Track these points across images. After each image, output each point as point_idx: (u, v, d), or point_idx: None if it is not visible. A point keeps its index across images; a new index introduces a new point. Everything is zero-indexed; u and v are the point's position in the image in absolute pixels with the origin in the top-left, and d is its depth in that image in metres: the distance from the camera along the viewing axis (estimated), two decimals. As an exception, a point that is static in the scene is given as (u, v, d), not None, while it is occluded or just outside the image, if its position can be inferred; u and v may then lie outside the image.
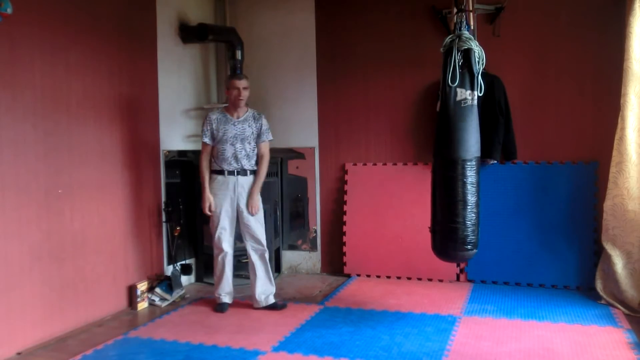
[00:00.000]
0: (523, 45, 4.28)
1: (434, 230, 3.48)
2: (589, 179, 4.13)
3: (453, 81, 3.31)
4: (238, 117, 3.77)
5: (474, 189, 3.31)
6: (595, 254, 4.05)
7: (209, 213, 3.75)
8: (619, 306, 3.68)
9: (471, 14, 3.87)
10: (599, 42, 4.08)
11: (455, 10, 3.81)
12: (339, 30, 4.81)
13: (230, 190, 3.75)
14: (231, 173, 3.75)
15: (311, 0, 4.87)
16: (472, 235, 3.32)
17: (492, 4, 4.27)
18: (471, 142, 3.33)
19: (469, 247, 3.33)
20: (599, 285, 3.86)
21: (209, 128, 3.74)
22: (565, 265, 4.16)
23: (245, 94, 3.73)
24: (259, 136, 3.83)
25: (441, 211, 3.39)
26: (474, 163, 3.32)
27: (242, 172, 3.77)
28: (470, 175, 3.31)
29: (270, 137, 3.89)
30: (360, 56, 4.75)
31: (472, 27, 3.70)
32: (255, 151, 3.84)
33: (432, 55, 4.43)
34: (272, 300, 3.81)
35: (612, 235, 3.78)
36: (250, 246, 3.82)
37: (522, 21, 4.27)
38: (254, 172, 3.82)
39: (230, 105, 3.79)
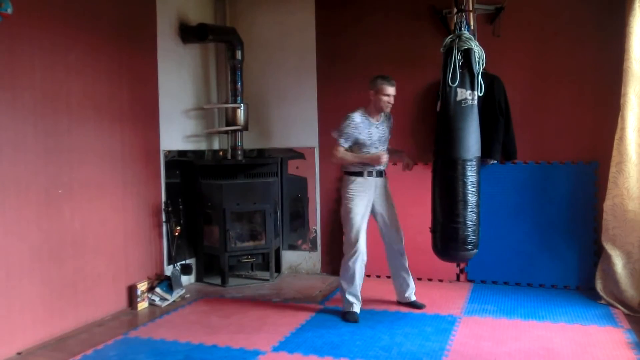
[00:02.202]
0: (523, 45, 4.28)
1: (434, 230, 3.48)
2: (589, 179, 4.13)
3: (453, 81, 3.31)
4: (378, 120, 3.69)
5: (474, 188, 3.32)
6: (595, 254, 4.05)
7: (385, 159, 3.58)
8: (619, 306, 3.68)
9: (471, 14, 3.87)
10: (599, 42, 4.08)
11: (455, 10, 3.81)
12: (339, 30, 4.81)
13: (370, 192, 3.66)
14: (371, 174, 3.66)
15: (311, 1, 4.87)
16: (473, 235, 3.33)
17: (492, 4, 4.27)
18: (471, 142, 3.33)
19: (469, 247, 3.33)
20: (599, 285, 3.86)
21: (350, 132, 3.59)
22: (565, 265, 4.16)
23: (393, 101, 3.65)
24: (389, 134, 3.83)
25: (441, 211, 3.39)
26: (474, 163, 3.33)
27: (379, 173, 3.71)
28: (471, 175, 3.31)
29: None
30: (361, 56, 4.75)
31: (472, 27, 3.70)
32: None
33: (432, 56, 4.42)
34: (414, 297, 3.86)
35: (612, 235, 3.78)
36: (391, 246, 3.79)
37: (522, 21, 4.27)
38: (385, 173, 3.79)
39: (373, 108, 3.65)
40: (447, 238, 3.37)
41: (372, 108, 3.66)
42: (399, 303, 3.89)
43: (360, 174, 3.65)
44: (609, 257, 3.78)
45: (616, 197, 3.74)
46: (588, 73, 4.13)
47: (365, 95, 4.73)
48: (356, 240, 3.62)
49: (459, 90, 3.34)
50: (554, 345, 3.07)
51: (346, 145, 3.62)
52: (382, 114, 3.72)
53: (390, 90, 3.60)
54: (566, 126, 4.21)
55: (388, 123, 3.80)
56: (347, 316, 3.60)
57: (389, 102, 3.62)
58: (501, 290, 4.20)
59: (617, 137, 3.75)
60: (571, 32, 4.16)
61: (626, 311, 3.62)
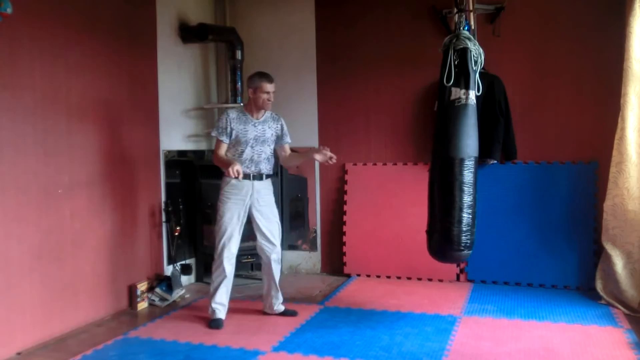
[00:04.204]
0: (523, 45, 4.28)
1: (429, 231, 3.46)
2: (589, 179, 4.13)
3: (448, 80, 3.29)
4: (258, 118, 3.57)
5: (469, 189, 3.25)
6: (595, 254, 4.05)
7: (235, 174, 3.27)
8: (619, 306, 3.68)
9: (471, 14, 3.86)
10: (599, 42, 4.08)
11: (455, 10, 3.81)
12: (339, 30, 4.81)
13: (244, 195, 3.50)
14: (247, 177, 3.48)
15: (311, 0, 4.87)
16: (467, 236, 3.27)
17: (492, 4, 4.27)
18: (466, 142, 3.27)
19: (462, 248, 3.28)
20: (599, 285, 3.86)
21: (227, 126, 3.48)
22: (565, 265, 4.16)
23: (273, 98, 3.56)
24: (279, 138, 3.65)
25: (436, 212, 3.37)
26: (469, 163, 3.26)
27: (259, 176, 3.55)
28: (466, 175, 3.24)
29: (290, 140, 3.73)
30: (361, 56, 4.75)
31: (472, 27, 3.70)
32: (273, 154, 3.65)
33: (432, 55, 4.40)
34: (281, 307, 3.72)
35: (612, 235, 3.78)
36: (264, 248, 3.61)
37: (522, 21, 4.27)
38: (270, 176, 3.63)
39: (253, 106, 3.56)
40: (441, 239, 3.33)
41: (251, 106, 3.56)
42: (267, 314, 3.73)
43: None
44: (609, 257, 3.77)
45: (616, 197, 3.74)
46: (588, 73, 4.13)
47: (365, 95, 4.76)
48: (221, 249, 3.49)
49: (453, 89, 3.32)
50: (554, 345, 3.07)
51: (225, 139, 3.48)
52: (268, 115, 3.61)
53: (269, 87, 3.50)
54: (566, 126, 4.21)
55: (274, 124, 3.62)
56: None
57: (268, 100, 3.51)
58: (501, 290, 4.20)
59: (617, 137, 3.75)
60: (571, 32, 4.16)
61: (626, 311, 3.62)
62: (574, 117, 4.18)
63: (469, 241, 3.28)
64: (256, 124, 3.55)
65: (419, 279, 4.53)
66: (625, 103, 3.70)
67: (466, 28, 3.46)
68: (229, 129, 3.49)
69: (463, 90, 3.30)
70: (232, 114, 3.53)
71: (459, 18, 3.52)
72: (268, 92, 3.51)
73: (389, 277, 4.63)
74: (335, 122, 4.86)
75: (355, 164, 4.80)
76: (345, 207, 4.78)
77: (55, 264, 3.34)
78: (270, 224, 3.60)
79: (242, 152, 3.51)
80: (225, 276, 3.51)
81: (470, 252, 3.33)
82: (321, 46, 4.87)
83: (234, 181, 3.45)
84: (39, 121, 3.24)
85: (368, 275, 4.70)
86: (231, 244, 3.51)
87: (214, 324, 3.49)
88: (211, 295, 3.56)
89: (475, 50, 3.31)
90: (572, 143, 4.19)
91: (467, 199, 3.25)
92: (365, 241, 4.68)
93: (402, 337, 3.23)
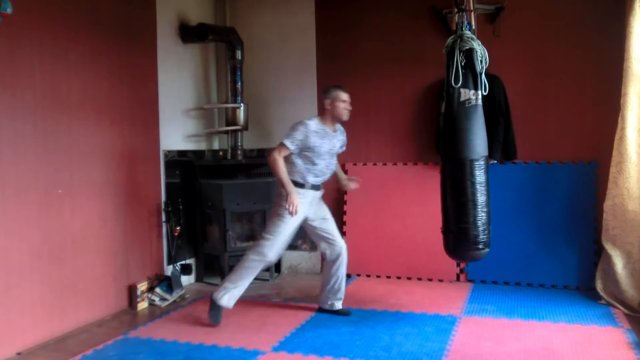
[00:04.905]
0: (523, 45, 4.28)
1: (445, 231, 3.48)
2: (589, 179, 4.13)
3: (456, 82, 3.31)
4: (334, 131, 3.57)
5: (483, 188, 3.31)
6: (595, 254, 4.05)
7: (293, 214, 3.37)
8: (619, 306, 3.68)
9: (471, 13, 3.86)
10: (599, 42, 4.07)
11: (455, 10, 3.81)
12: (339, 30, 4.81)
13: (306, 204, 3.50)
14: (313, 187, 3.52)
15: (311, 1, 4.87)
16: (483, 235, 3.33)
17: (492, 4, 4.27)
18: (477, 142, 3.32)
19: (480, 246, 3.34)
20: (599, 285, 3.86)
21: (304, 138, 3.41)
22: (565, 265, 4.16)
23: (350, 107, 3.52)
24: (339, 148, 3.68)
25: (451, 212, 3.40)
26: (481, 162, 3.32)
27: (319, 187, 3.59)
28: (479, 175, 3.30)
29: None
30: (360, 56, 4.75)
31: (474, 27, 3.70)
32: None
33: (432, 55, 4.42)
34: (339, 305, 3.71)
35: (612, 235, 3.78)
36: (332, 248, 3.59)
37: (522, 21, 4.27)
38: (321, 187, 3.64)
39: (329, 117, 3.51)
40: (458, 238, 3.38)
41: (327, 117, 3.53)
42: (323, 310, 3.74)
43: (301, 185, 3.48)
44: (609, 257, 3.78)
45: (616, 197, 3.74)
46: (588, 73, 4.13)
47: (365, 95, 4.76)
48: (267, 252, 3.46)
49: (462, 90, 3.34)
50: (554, 345, 3.07)
51: (293, 148, 3.42)
52: (337, 127, 3.61)
53: (346, 96, 3.50)
54: (566, 126, 4.21)
55: (341, 137, 3.66)
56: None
57: (345, 109, 3.50)
58: (501, 290, 4.20)
59: (617, 137, 3.75)
60: (571, 32, 4.16)
61: (626, 311, 3.62)
62: (574, 117, 4.18)
63: (486, 239, 3.35)
64: (332, 138, 3.55)
65: (419, 279, 4.53)
66: (625, 103, 3.70)
67: (467, 28, 3.46)
68: (303, 142, 3.42)
69: (472, 91, 3.34)
70: (312, 126, 3.45)
71: (460, 18, 3.52)
72: (345, 101, 3.50)
73: (389, 277, 4.63)
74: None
75: (355, 164, 4.80)
76: (345, 207, 4.78)
77: (55, 263, 3.34)
78: (327, 224, 3.62)
79: (315, 164, 3.49)
80: (254, 274, 3.53)
81: (487, 250, 3.38)
82: (321, 46, 4.87)
83: (298, 189, 3.45)
84: (39, 121, 3.24)
85: (368, 275, 4.70)
86: (278, 253, 3.53)
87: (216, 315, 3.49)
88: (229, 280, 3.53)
89: (481, 51, 3.34)
90: (572, 143, 4.19)
91: (482, 198, 3.30)
92: (365, 241, 4.68)
93: (402, 337, 3.23)
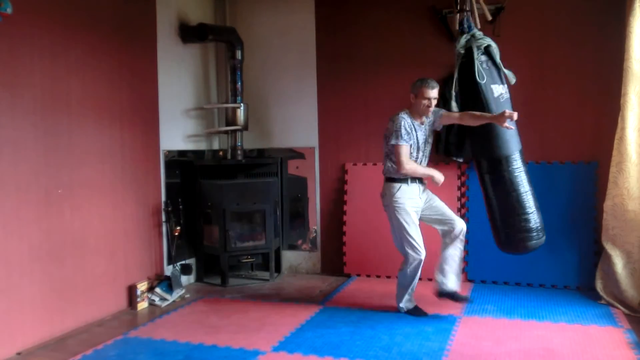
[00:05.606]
0: (523, 45, 4.28)
1: (496, 227, 3.57)
2: (589, 179, 4.13)
3: (481, 78, 3.33)
4: (422, 123, 3.56)
5: (524, 180, 3.46)
6: (595, 254, 4.05)
7: (442, 178, 3.47)
8: (619, 306, 3.68)
9: (473, 12, 3.86)
10: (599, 42, 4.07)
11: (456, 10, 3.81)
12: (338, 30, 4.81)
13: (416, 197, 3.52)
14: (416, 180, 3.53)
15: (311, 0, 4.87)
16: (536, 224, 3.46)
17: (492, 4, 4.26)
18: (516, 137, 3.48)
19: (534, 234, 3.46)
20: (599, 285, 3.86)
21: (409, 131, 3.45)
22: (565, 265, 4.16)
23: (433, 105, 3.49)
24: (434, 122, 3.62)
25: (500, 208, 3.51)
26: (519, 155, 3.47)
27: (421, 179, 3.58)
28: (518, 168, 3.45)
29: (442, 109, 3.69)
30: (360, 56, 4.75)
31: (479, 27, 3.70)
32: None
33: (432, 55, 4.43)
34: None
35: (612, 235, 3.78)
36: (450, 229, 3.57)
37: (522, 21, 4.27)
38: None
39: (415, 112, 3.51)
40: (512, 232, 3.48)
41: (414, 111, 3.52)
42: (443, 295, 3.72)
43: (404, 181, 3.50)
44: (609, 257, 3.78)
45: (616, 197, 3.74)
46: (588, 73, 4.13)
47: (365, 95, 4.76)
48: (418, 245, 3.54)
49: (493, 87, 3.39)
50: (554, 345, 3.07)
51: (410, 142, 3.46)
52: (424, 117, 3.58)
53: (431, 93, 3.44)
54: (566, 126, 4.21)
55: (430, 118, 3.59)
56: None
57: (427, 106, 3.45)
58: (501, 290, 4.20)
59: (617, 137, 3.75)
60: (571, 32, 4.16)
61: (626, 311, 3.62)
62: (574, 117, 4.18)
63: (540, 226, 3.48)
64: (422, 129, 3.55)
65: (419, 279, 4.51)
66: (625, 103, 3.70)
67: (470, 27, 3.48)
68: (410, 133, 3.46)
69: (501, 86, 3.39)
70: (407, 119, 3.48)
71: (462, 17, 3.53)
72: (428, 99, 3.45)
73: (389, 277, 4.62)
74: (335, 122, 4.86)
75: (355, 164, 4.80)
76: (345, 207, 4.78)
77: (55, 263, 3.34)
78: (439, 209, 3.60)
79: (413, 156, 3.52)
80: (416, 278, 3.63)
81: (544, 237, 3.52)
82: (321, 46, 4.87)
83: (404, 186, 3.50)
84: (39, 120, 3.24)
85: (368, 275, 4.70)
86: (421, 244, 3.56)
87: (418, 312, 3.63)
88: (407, 289, 3.65)
89: (495, 46, 3.37)
90: (573, 143, 4.19)
91: (526, 188, 3.46)
92: (365, 241, 4.68)
93: (402, 337, 3.23)
